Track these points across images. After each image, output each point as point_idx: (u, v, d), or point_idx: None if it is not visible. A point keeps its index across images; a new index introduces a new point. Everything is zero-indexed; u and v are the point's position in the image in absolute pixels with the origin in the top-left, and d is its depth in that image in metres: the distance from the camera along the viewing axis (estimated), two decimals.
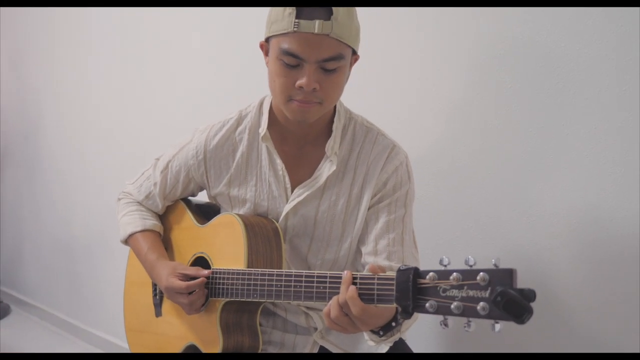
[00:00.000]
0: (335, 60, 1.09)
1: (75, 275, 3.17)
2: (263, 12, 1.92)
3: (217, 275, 1.23)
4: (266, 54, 1.18)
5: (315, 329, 1.32)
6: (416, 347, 1.39)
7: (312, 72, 1.08)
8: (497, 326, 0.85)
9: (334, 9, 1.06)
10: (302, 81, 1.08)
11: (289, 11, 1.06)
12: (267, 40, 1.15)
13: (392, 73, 1.67)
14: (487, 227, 1.50)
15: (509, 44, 1.43)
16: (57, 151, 3.25)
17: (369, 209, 1.25)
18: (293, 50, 1.07)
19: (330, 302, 1.00)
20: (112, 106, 2.81)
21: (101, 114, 2.89)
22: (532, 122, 1.40)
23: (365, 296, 0.97)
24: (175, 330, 1.34)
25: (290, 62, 1.09)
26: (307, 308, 1.32)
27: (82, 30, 2.96)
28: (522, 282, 0.84)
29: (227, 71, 2.21)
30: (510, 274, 0.83)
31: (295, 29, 1.05)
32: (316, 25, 1.05)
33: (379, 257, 1.23)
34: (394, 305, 0.94)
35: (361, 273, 0.99)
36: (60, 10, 3.05)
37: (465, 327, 0.88)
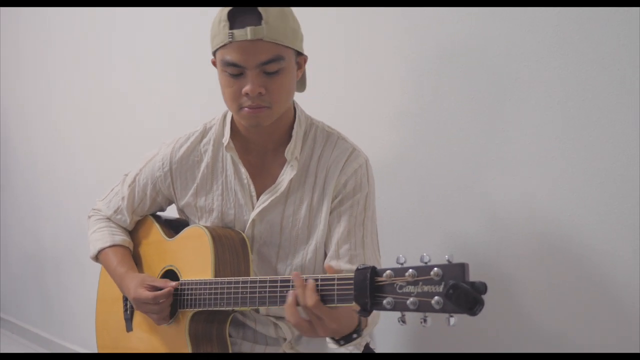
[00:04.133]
0: (275, 62, 1.14)
1: (45, 288, 3.17)
2: None
3: (185, 287, 1.24)
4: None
5: (285, 339, 1.33)
6: (382, 347, 1.40)
7: (254, 78, 1.13)
8: (452, 320, 0.87)
9: (264, 13, 1.11)
10: (246, 87, 1.13)
11: (223, 24, 1.12)
12: (214, 55, 1.20)
13: (343, 81, 1.72)
14: (445, 230, 1.54)
15: (461, 50, 1.48)
16: (25, 165, 3.25)
17: (331, 212, 1.27)
18: (232, 60, 1.12)
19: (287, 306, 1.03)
20: (80, 120, 2.82)
21: (69, 127, 2.89)
22: (489, 126, 1.45)
23: (327, 297, 0.99)
24: (145, 343, 1.35)
25: (233, 72, 1.14)
26: (276, 318, 1.33)
27: (48, 44, 2.97)
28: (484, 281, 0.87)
29: (198, 84, 2.24)
30: (462, 268, 0.86)
31: (230, 40, 1.11)
32: (248, 32, 1.10)
33: (341, 261, 1.25)
34: (354, 305, 0.96)
35: (322, 275, 1.01)
36: (24, 20, 3.06)
37: (421, 322, 0.90)
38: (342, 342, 1.07)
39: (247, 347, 1.34)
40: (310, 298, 0.98)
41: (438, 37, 1.53)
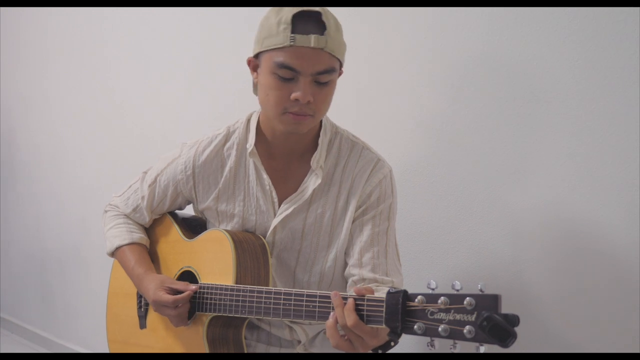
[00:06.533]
0: (328, 73, 1.14)
1: (47, 288, 3.14)
2: (244, 28, 1.92)
3: (205, 290, 1.24)
4: (254, 69, 1.22)
5: (299, 341, 1.35)
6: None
7: (307, 85, 1.13)
8: (482, 348, 0.89)
9: (327, 23, 1.11)
10: (297, 94, 1.12)
11: (284, 26, 1.10)
12: (257, 56, 1.19)
13: (367, 89, 1.71)
14: (464, 239, 1.56)
15: (482, 59, 1.48)
16: (29, 163, 3.22)
17: (353, 220, 1.28)
18: (289, 64, 1.11)
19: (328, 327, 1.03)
20: (84, 118, 2.80)
21: (73, 126, 2.88)
22: (506, 134, 1.46)
23: None
24: (160, 342, 1.36)
25: (286, 75, 1.13)
26: (291, 322, 1.34)
27: (52, 40, 2.95)
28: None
29: (199, 83, 2.24)
30: (495, 299, 0.88)
31: (291, 43, 1.10)
32: (312, 40, 1.10)
33: (364, 269, 1.26)
34: (384, 327, 0.97)
35: (350, 294, 1.03)
36: (28, 18, 3.03)
37: (451, 348, 0.92)
38: (379, 351, 1.05)
39: (261, 349, 1.36)
40: (349, 318, 0.99)
41: (456, 46, 1.53)
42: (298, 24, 1.11)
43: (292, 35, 1.10)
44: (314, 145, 1.28)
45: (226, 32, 2.13)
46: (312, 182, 1.27)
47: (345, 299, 1.02)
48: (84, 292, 2.84)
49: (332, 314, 1.03)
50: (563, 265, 1.40)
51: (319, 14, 1.12)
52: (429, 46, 1.58)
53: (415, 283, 1.54)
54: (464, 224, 1.55)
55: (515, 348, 1.44)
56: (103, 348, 2.37)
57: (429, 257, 1.62)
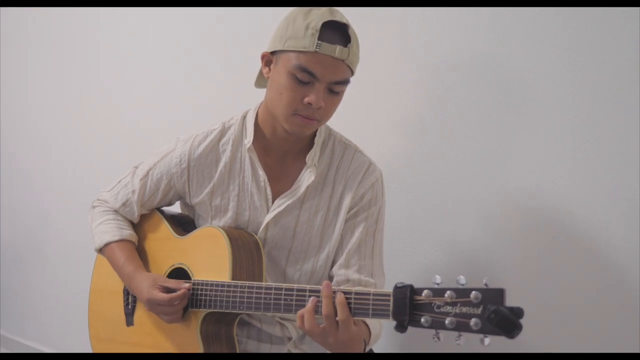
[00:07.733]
0: (342, 85, 1.18)
1: (4, 284, 3.02)
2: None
3: (199, 287, 1.24)
4: (266, 64, 1.23)
5: (290, 338, 1.36)
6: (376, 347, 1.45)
7: (321, 91, 1.16)
8: (487, 340, 0.93)
9: (352, 36, 1.16)
10: (311, 98, 1.15)
11: (312, 31, 1.13)
12: (274, 52, 1.20)
13: (348, 89, 1.75)
14: (441, 239, 1.60)
15: (466, 59, 1.53)
16: None
17: (345, 221, 1.32)
18: (310, 68, 1.14)
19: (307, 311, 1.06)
20: (44, 108, 2.73)
21: (32, 116, 2.80)
22: (488, 134, 1.51)
23: (360, 310, 1.03)
24: (149, 339, 1.34)
25: (304, 79, 1.15)
26: (282, 318, 1.36)
27: (20, 32, 2.86)
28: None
29: (177, 84, 2.22)
30: (501, 293, 0.92)
31: (316, 50, 1.13)
32: (337, 50, 1.13)
33: (350, 270, 1.30)
34: (390, 320, 1.00)
35: (356, 288, 1.05)
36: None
37: (456, 340, 0.96)
38: None
39: (252, 346, 1.36)
40: (342, 312, 1.02)
41: (442, 49, 1.57)
42: (326, 33, 1.14)
43: (319, 42, 1.13)
44: (310, 145, 1.32)
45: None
46: (306, 179, 1.29)
47: (334, 292, 1.04)
48: (44, 288, 2.76)
49: (312, 299, 1.06)
50: (537, 267, 1.46)
51: (346, 26, 1.17)
52: (416, 45, 1.61)
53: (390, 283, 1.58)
54: (446, 222, 1.59)
55: (499, 348, 1.51)
56: (66, 345, 2.30)
57: (408, 256, 1.66)
